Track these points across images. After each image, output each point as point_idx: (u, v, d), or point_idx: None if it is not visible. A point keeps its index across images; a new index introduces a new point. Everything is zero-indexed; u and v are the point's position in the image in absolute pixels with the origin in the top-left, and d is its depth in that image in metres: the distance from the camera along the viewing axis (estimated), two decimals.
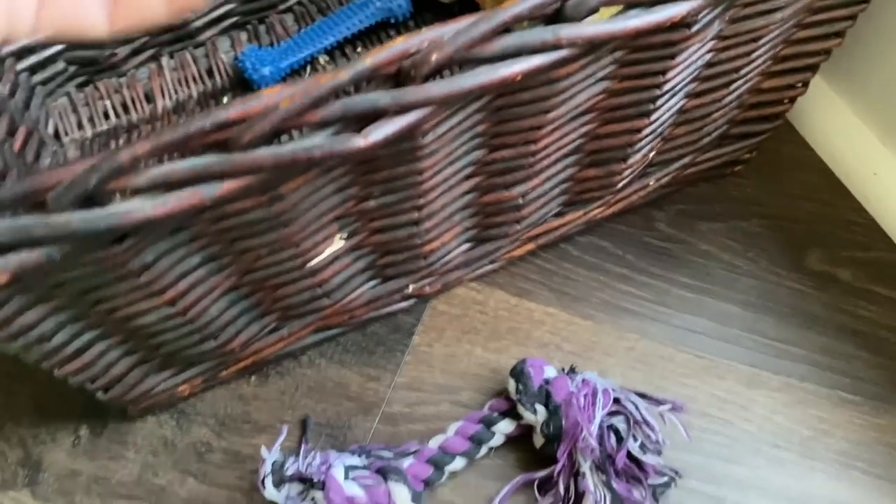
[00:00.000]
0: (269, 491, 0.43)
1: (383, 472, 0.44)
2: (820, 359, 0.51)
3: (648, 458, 0.42)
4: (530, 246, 0.54)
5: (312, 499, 0.43)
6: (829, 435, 0.49)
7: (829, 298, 0.54)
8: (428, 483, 0.46)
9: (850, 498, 0.47)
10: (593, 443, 0.43)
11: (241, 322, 0.46)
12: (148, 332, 0.41)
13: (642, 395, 0.46)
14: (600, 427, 0.44)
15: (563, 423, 0.44)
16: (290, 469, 0.43)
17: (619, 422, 0.44)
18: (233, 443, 0.51)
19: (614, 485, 0.43)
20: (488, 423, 0.48)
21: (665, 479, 0.44)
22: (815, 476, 0.47)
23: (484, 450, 0.48)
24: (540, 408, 0.45)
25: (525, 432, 0.48)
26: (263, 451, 0.44)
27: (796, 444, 0.49)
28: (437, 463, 0.46)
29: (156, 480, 0.50)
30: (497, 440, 0.48)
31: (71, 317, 0.37)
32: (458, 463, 0.47)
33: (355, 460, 0.45)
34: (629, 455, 0.43)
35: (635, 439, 0.43)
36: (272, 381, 0.53)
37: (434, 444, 0.47)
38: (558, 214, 0.53)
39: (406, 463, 0.46)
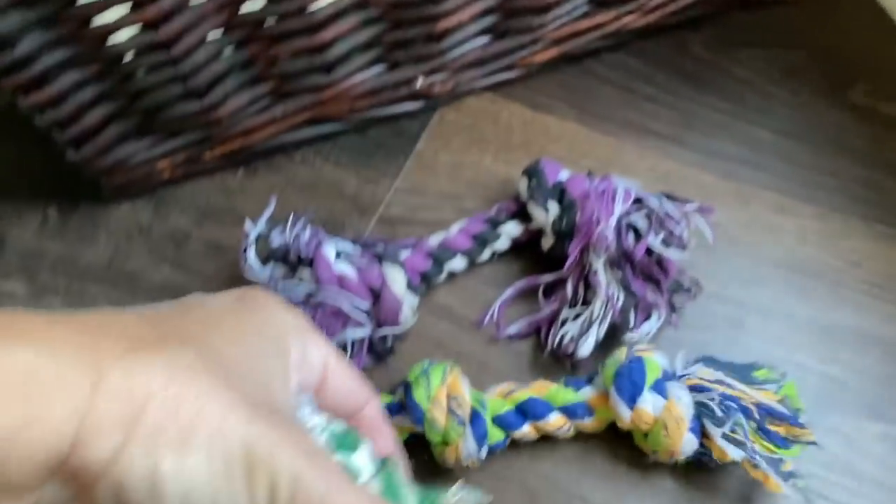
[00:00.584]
0: (252, 263, 0.39)
1: (378, 256, 0.40)
2: (856, 190, 0.47)
3: (671, 253, 0.38)
4: (553, 52, 0.49)
5: (300, 278, 0.39)
6: (860, 267, 0.45)
7: (871, 132, 0.49)
8: (425, 278, 0.42)
9: (878, 331, 0.43)
10: (610, 236, 0.39)
11: (230, 83, 0.41)
12: (125, 71, 0.37)
13: (668, 196, 0.41)
14: (618, 223, 0.39)
15: (578, 217, 0.40)
16: (276, 241, 0.39)
17: (639, 219, 0.40)
18: (214, 234, 0.47)
19: (630, 282, 0.39)
20: (494, 223, 0.44)
21: (685, 284, 0.40)
22: (844, 307, 0.44)
23: (487, 253, 0.44)
24: (553, 204, 0.41)
25: (533, 238, 0.44)
26: (247, 224, 0.40)
27: (826, 274, 0.45)
28: (437, 258, 0.42)
29: (128, 266, 0.46)
30: (502, 243, 0.44)
31: (40, 17, 0.32)
32: (459, 262, 0.43)
33: (348, 246, 0.41)
34: (648, 251, 0.39)
35: (656, 234, 0.39)
36: (261, 175, 0.49)
37: (435, 240, 0.43)
38: (586, 15, 0.48)
39: (403, 254, 0.42)
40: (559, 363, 0.41)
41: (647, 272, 0.39)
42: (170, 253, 0.46)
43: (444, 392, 0.36)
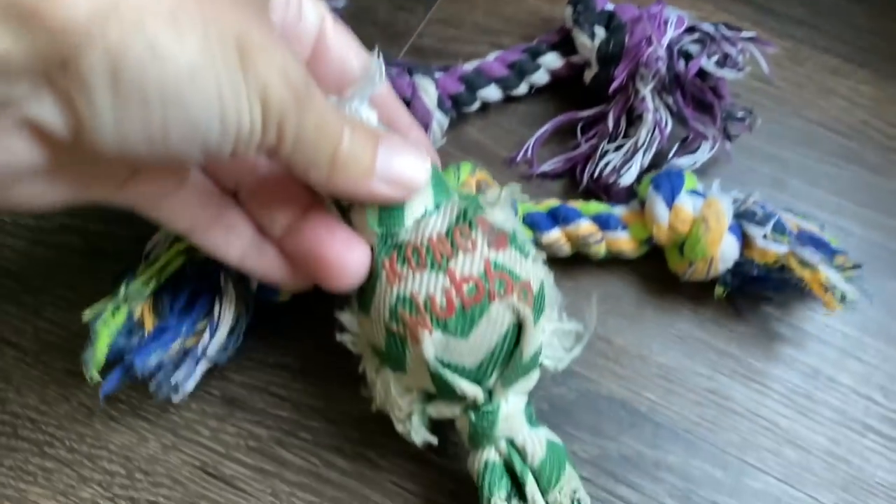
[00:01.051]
0: None
1: (409, 69, 0.38)
2: None
3: (726, 73, 0.36)
4: None
5: None
6: None
7: None
8: (456, 103, 0.40)
9: None
10: (661, 54, 0.36)
11: None
12: None
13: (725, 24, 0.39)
14: (670, 47, 0.37)
15: (626, 40, 0.37)
16: None
17: (692, 45, 0.37)
18: None
19: (681, 108, 0.36)
20: (534, 53, 0.41)
21: (739, 113, 0.38)
22: (892, 173, 0.42)
23: (524, 86, 0.41)
24: (599, 30, 0.39)
25: (574, 73, 0.41)
26: None
27: (875, 139, 0.42)
28: (470, 83, 0.40)
29: None
30: (541, 76, 0.41)
31: None
32: (493, 92, 0.41)
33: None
34: (701, 74, 0.36)
35: (710, 57, 0.36)
36: None
37: (469, 66, 0.41)
38: None
39: (436, 75, 0.39)
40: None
41: (698, 98, 0.37)
42: None
43: (474, 180, 0.34)
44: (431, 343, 0.27)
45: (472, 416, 0.29)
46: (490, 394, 0.29)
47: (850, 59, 0.45)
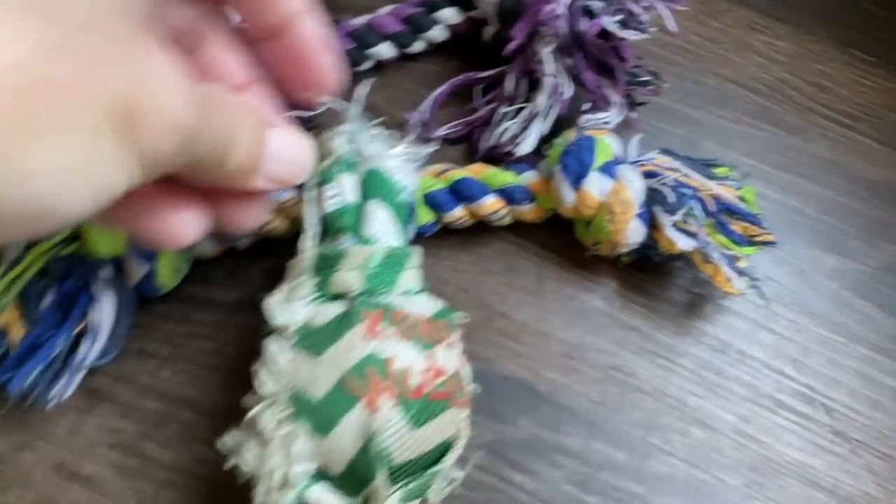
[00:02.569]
0: None
1: None
2: (837, 14, 0.43)
3: (628, 34, 0.33)
4: None
5: None
6: (832, 93, 0.41)
7: None
8: (347, 61, 0.36)
9: (843, 161, 0.39)
10: (561, 15, 0.33)
11: None
12: None
13: None
14: (571, 5, 0.34)
15: None
16: None
17: (594, 1, 0.34)
18: None
19: (581, 71, 0.34)
20: (431, 7, 0.38)
21: (643, 76, 0.35)
22: (808, 133, 0.40)
23: (420, 43, 0.38)
24: None
25: (474, 30, 0.38)
26: None
27: (793, 97, 0.40)
28: (361, 39, 0.36)
29: None
30: (439, 32, 0.38)
31: None
32: (387, 49, 0.37)
33: None
34: (603, 34, 0.33)
35: (613, 15, 0.34)
36: None
37: (360, 20, 0.37)
38: None
39: None
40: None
41: (600, 60, 0.34)
42: None
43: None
44: (387, 415, 0.24)
45: None
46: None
47: (769, 14, 0.42)
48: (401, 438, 0.25)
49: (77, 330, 0.30)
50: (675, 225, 0.31)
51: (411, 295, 0.28)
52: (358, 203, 0.28)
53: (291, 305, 0.27)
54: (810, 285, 0.36)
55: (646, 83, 0.35)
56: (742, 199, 0.33)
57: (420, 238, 0.33)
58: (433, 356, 0.26)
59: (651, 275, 0.35)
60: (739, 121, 0.39)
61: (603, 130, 0.33)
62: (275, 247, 0.33)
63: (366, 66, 0.37)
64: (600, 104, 0.35)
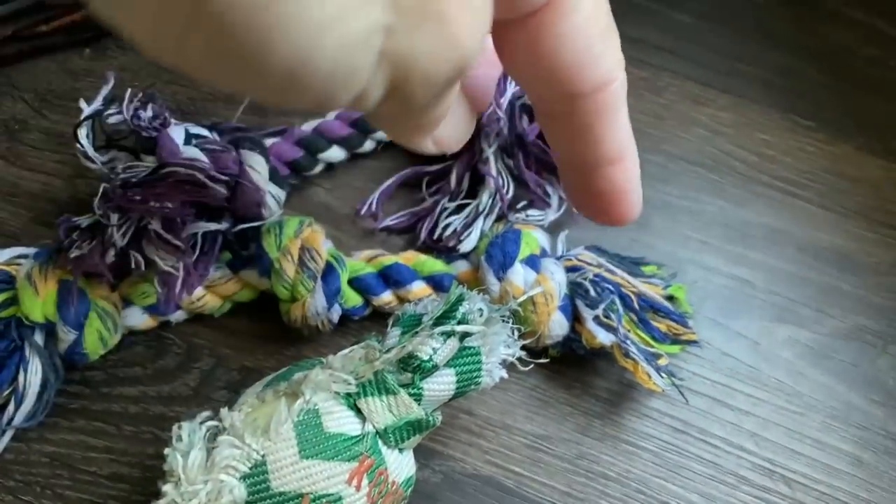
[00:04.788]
0: (85, 146, 0.33)
1: (235, 142, 0.35)
2: (777, 80, 0.44)
3: None
4: None
5: (146, 166, 0.34)
6: (775, 161, 0.42)
7: (797, 17, 0.45)
8: (296, 169, 0.37)
9: (790, 229, 0.40)
10: (502, 117, 0.34)
11: None
12: None
13: None
14: (511, 105, 0.35)
15: None
16: (114, 118, 0.33)
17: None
18: (55, 122, 0.40)
19: (522, 171, 0.35)
20: None
21: None
22: (756, 204, 0.41)
23: (369, 143, 0.39)
24: None
25: None
26: (82, 103, 0.34)
27: (738, 169, 0.41)
28: (310, 146, 0.37)
29: None
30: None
31: None
32: (336, 153, 0.38)
33: (202, 131, 0.35)
34: (541, 136, 0.34)
35: None
36: (111, 56, 0.42)
37: (308, 126, 0.38)
38: None
39: (268, 142, 0.36)
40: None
41: (542, 159, 0.35)
42: (2, 146, 0.40)
43: (298, 243, 0.32)
44: None
45: None
46: None
47: (711, 85, 0.43)
48: None
49: (6, 392, 0.32)
50: (595, 319, 0.32)
51: (404, 452, 0.29)
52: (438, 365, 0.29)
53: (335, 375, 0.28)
54: (765, 358, 0.37)
55: None
56: (670, 297, 0.34)
57: (349, 320, 0.34)
58: None
59: (606, 362, 0.36)
60: (686, 196, 0.40)
61: (531, 225, 0.34)
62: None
63: (317, 169, 0.38)
64: (539, 203, 0.36)
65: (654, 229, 0.39)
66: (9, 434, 0.33)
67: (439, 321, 0.28)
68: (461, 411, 0.35)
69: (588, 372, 0.36)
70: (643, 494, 0.34)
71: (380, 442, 0.28)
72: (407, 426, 0.28)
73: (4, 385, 0.32)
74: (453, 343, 0.28)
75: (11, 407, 0.32)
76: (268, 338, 0.36)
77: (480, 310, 0.29)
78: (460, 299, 0.29)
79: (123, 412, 0.34)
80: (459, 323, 0.28)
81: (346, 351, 0.29)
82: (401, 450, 0.29)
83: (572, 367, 0.36)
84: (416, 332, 0.28)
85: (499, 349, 0.29)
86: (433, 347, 0.28)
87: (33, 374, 0.32)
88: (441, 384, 0.29)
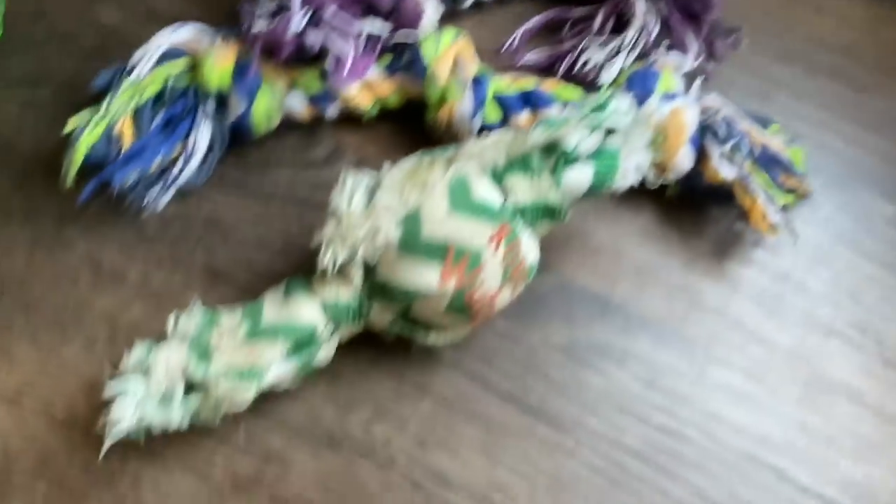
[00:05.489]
0: None
1: None
2: None
3: None
4: None
5: None
6: None
7: None
8: None
9: None
10: None
11: None
12: None
13: None
14: None
15: None
16: None
17: None
18: None
19: (668, 15, 0.37)
20: None
21: (726, 30, 0.38)
22: (879, 89, 0.42)
23: None
24: None
25: None
26: None
27: (865, 59, 0.43)
28: None
29: None
30: None
31: None
32: None
33: None
34: None
35: None
36: None
37: None
38: None
39: None
40: None
41: (687, 6, 0.37)
42: None
43: (453, 52, 0.35)
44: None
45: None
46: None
47: None
48: (431, 310, 0.31)
49: (177, 151, 0.36)
50: (721, 155, 0.34)
51: (533, 237, 0.32)
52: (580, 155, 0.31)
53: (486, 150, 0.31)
54: (868, 229, 0.39)
55: (727, 34, 0.38)
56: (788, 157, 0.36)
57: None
58: (501, 290, 0.31)
59: (720, 209, 0.38)
60: (812, 76, 0.42)
61: (669, 66, 0.36)
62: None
63: (467, 3, 0.41)
64: (680, 47, 0.38)
65: (779, 104, 0.41)
66: (173, 190, 0.37)
67: (587, 115, 0.31)
68: (577, 233, 0.38)
69: (700, 216, 0.38)
70: (737, 330, 0.37)
71: (518, 217, 0.31)
72: (543, 208, 0.31)
73: (176, 143, 0.36)
74: (598, 137, 0.31)
75: (179, 165, 0.36)
76: (409, 147, 0.39)
77: (626, 112, 0.31)
78: (610, 97, 0.31)
79: (273, 191, 0.38)
80: (606, 119, 0.31)
81: (496, 133, 0.32)
82: (532, 232, 0.32)
83: (686, 209, 0.38)
84: (565, 123, 0.31)
85: (637, 153, 0.32)
86: (579, 138, 0.31)
87: (202, 138, 0.36)
88: (580, 176, 0.31)
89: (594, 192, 0.32)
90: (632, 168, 0.32)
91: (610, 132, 0.31)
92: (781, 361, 0.36)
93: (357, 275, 0.31)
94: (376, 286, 0.30)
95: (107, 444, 0.28)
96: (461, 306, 0.30)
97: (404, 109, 0.39)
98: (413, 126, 0.39)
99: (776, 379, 0.36)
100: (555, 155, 0.31)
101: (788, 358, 0.36)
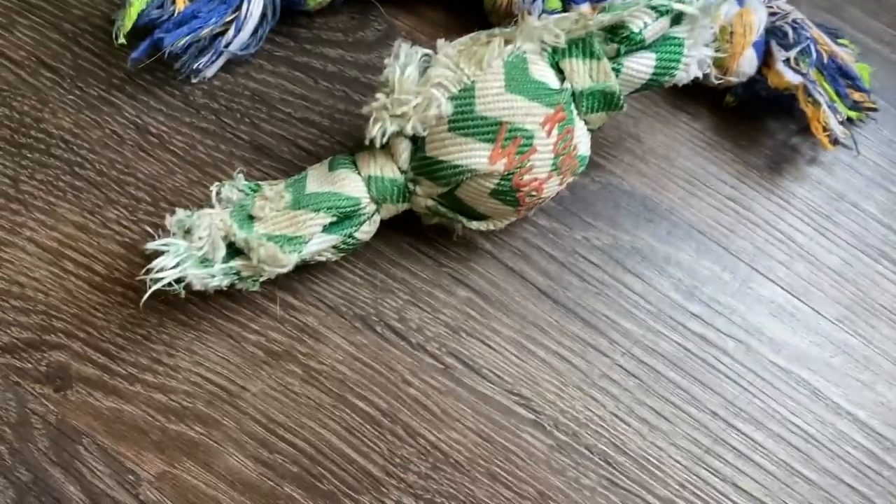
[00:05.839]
0: None
1: None
2: None
3: None
4: None
5: None
6: None
7: None
8: None
9: None
10: None
11: None
12: None
13: None
14: None
15: None
16: None
17: None
18: None
19: None
20: None
21: None
22: None
23: None
24: None
25: None
26: None
27: None
28: None
29: None
30: None
31: None
32: None
33: None
34: None
35: None
36: None
37: None
38: None
39: None
40: None
41: None
42: None
43: None
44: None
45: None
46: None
47: None
48: (476, 193, 0.30)
49: (229, 18, 0.35)
50: (787, 61, 0.33)
51: (587, 128, 0.31)
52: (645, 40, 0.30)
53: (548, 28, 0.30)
54: None
55: None
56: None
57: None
58: (550, 177, 0.30)
59: (778, 121, 0.37)
60: None
61: None
62: None
63: None
64: None
65: (848, 16, 0.39)
66: (223, 59, 0.36)
67: None
68: (629, 135, 0.37)
69: (758, 128, 0.37)
70: (786, 245, 0.36)
71: (573, 104, 0.30)
72: (600, 95, 0.30)
73: (229, 10, 0.35)
74: (664, 22, 0.30)
75: (231, 33, 0.35)
76: (464, 33, 0.38)
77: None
78: None
79: (322, 69, 0.37)
80: (674, 3, 0.29)
81: (559, 15, 0.31)
82: (586, 122, 0.31)
83: (743, 120, 0.37)
84: (632, 5, 0.30)
85: (701, 45, 0.31)
86: (645, 21, 0.29)
87: (255, 7, 0.35)
88: (641, 64, 0.30)
89: (654, 82, 0.31)
90: (694, 61, 0.31)
91: (677, 20, 0.30)
92: (827, 280, 0.35)
93: (405, 149, 0.30)
94: (423, 163, 0.30)
95: (147, 294, 0.28)
96: (508, 189, 0.30)
97: None
98: (470, 10, 0.37)
99: (820, 297, 0.35)
100: (617, 39, 0.30)
101: (834, 277, 0.35)
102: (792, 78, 0.33)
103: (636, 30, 0.29)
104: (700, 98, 0.37)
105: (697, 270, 0.35)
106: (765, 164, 0.37)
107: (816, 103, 0.33)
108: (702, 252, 0.35)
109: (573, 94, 0.30)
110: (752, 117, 0.37)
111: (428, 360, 0.33)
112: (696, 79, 0.32)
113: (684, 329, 0.34)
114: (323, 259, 0.31)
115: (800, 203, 0.36)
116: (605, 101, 0.30)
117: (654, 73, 0.31)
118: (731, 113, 0.37)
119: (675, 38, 0.30)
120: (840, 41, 0.36)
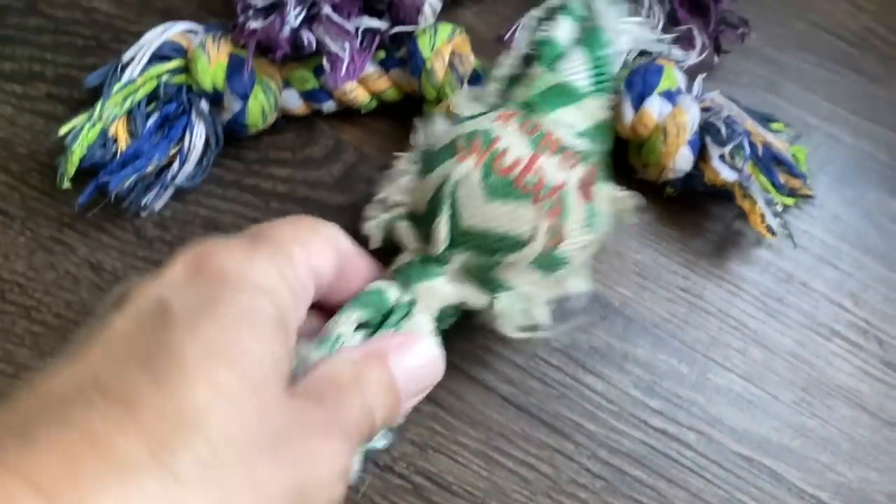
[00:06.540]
0: None
1: None
2: None
3: None
4: None
5: None
6: None
7: None
8: None
9: None
10: None
11: None
12: None
13: None
14: None
15: None
16: None
17: None
18: None
19: (676, 8, 0.36)
20: None
21: (733, 22, 0.37)
22: (892, 82, 0.41)
23: None
24: None
25: None
26: None
27: (879, 48, 0.42)
28: None
29: None
30: None
31: None
32: None
33: None
34: None
35: None
36: None
37: None
38: None
39: None
40: None
41: (695, 1, 0.36)
42: None
43: (450, 48, 0.35)
44: (467, 170, 0.28)
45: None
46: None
47: None
48: (471, 199, 0.28)
49: (172, 151, 0.35)
50: (722, 157, 0.34)
51: (571, 132, 0.30)
52: (564, 45, 0.31)
53: (474, 103, 0.31)
54: (876, 226, 0.38)
55: (735, 27, 0.37)
56: (792, 156, 0.35)
57: None
58: (537, 157, 0.29)
59: (721, 208, 0.38)
60: (822, 66, 0.41)
61: (672, 62, 0.35)
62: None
63: None
64: (684, 44, 0.37)
65: (786, 93, 0.40)
66: (170, 191, 0.36)
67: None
68: None
69: (700, 215, 0.38)
70: (739, 332, 0.36)
71: (526, 110, 0.30)
72: (545, 96, 0.31)
73: (172, 144, 0.35)
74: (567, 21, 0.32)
75: (176, 166, 0.36)
76: (407, 141, 0.38)
77: None
78: None
79: (272, 190, 0.38)
80: None
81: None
82: (558, 124, 0.30)
83: (686, 209, 0.38)
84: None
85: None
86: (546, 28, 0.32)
87: (197, 138, 0.36)
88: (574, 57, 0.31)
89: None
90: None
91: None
92: (781, 364, 0.36)
93: None
94: None
95: None
96: (503, 188, 0.29)
97: (405, 101, 0.38)
98: (414, 117, 0.38)
99: (776, 381, 0.36)
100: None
101: (789, 360, 0.36)
102: (727, 175, 0.34)
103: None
104: (643, 191, 0.38)
105: (655, 365, 0.36)
106: (712, 250, 0.37)
107: (752, 199, 0.34)
108: (658, 346, 0.36)
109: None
110: (695, 205, 0.38)
111: (396, 482, 0.33)
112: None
113: (646, 426, 0.35)
114: None
115: (750, 287, 0.37)
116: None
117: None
118: (674, 202, 0.38)
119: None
120: (774, 127, 0.37)
